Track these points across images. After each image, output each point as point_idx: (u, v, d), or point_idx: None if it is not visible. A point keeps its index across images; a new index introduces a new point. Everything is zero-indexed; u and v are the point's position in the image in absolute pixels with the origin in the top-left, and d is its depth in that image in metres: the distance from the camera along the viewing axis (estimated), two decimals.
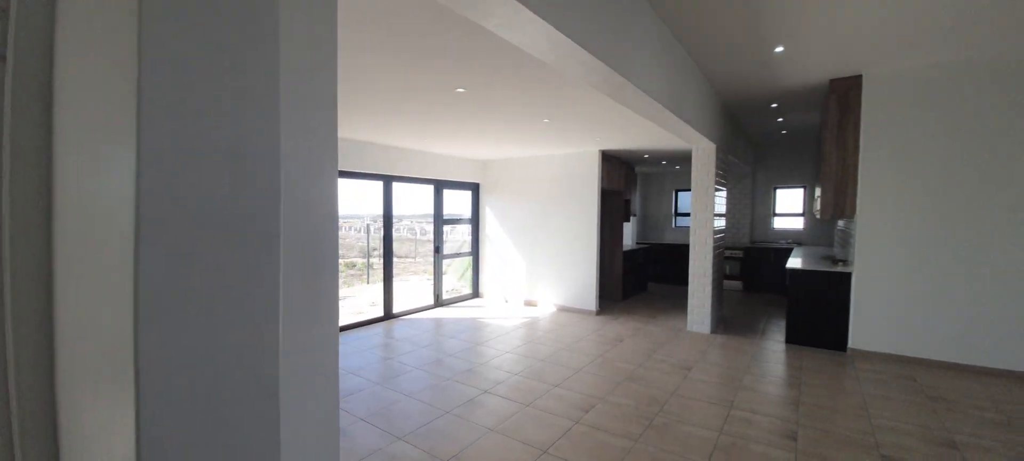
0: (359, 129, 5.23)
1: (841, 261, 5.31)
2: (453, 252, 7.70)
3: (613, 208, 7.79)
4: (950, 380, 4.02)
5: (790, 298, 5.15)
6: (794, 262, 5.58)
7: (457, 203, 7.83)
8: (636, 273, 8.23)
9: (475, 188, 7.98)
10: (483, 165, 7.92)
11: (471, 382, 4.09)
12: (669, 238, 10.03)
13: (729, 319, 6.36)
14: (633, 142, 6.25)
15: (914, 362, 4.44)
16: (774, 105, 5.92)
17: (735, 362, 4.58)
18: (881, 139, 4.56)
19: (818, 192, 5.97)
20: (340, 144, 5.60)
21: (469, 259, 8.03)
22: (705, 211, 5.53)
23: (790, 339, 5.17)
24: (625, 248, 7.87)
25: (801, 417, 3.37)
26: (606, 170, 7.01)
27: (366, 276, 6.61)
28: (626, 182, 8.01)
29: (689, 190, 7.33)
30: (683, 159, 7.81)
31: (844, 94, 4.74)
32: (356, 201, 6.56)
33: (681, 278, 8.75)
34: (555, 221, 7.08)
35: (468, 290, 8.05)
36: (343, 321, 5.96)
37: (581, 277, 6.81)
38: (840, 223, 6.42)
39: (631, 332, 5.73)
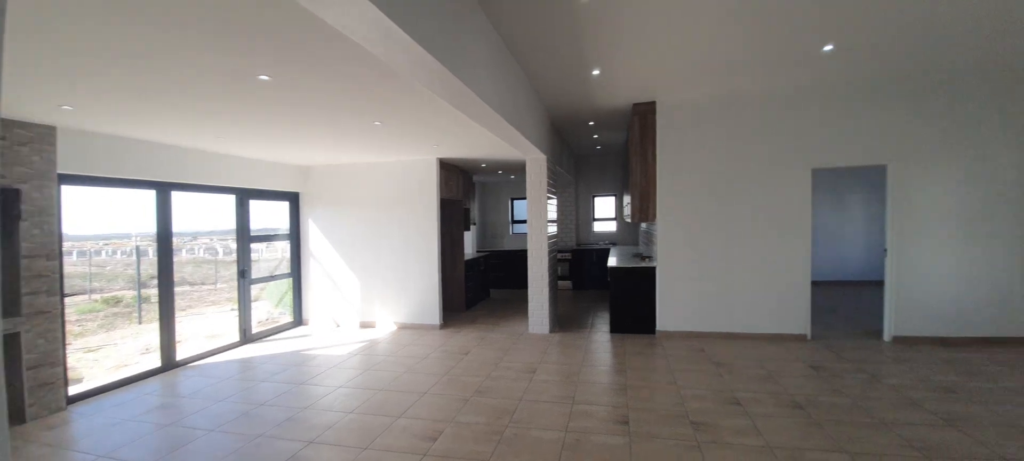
0: (114, 121, 3.90)
1: (646, 257, 6.21)
2: (266, 275, 6.48)
3: (453, 217, 7.68)
4: (726, 347, 5.01)
5: (611, 293, 5.79)
6: (613, 261, 6.30)
7: (271, 216, 6.64)
8: (478, 281, 8.29)
9: (294, 198, 6.90)
10: (304, 172, 6.92)
11: (292, 434, 3.37)
12: (508, 245, 10.46)
13: (564, 317, 6.86)
14: (470, 151, 6.24)
15: (703, 336, 5.42)
16: (591, 123, 6.63)
17: (572, 358, 4.88)
18: (671, 156, 5.49)
19: (627, 200, 6.91)
20: (82, 139, 4.11)
21: (288, 282, 6.88)
22: (539, 218, 5.83)
23: (614, 328, 5.80)
24: (467, 257, 7.84)
25: (629, 401, 3.72)
26: (445, 178, 6.85)
27: (136, 314, 4.97)
28: (465, 191, 8.01)
29: (525, 199, 7.70)
30: (518, 169, 8.19)
31: (644, 116, 5.55)
32: (121, 216, 4.95)
33: (521, 282, 9.17)
34: (391, 234, 6.59)
35: (289, 318, 6.89)
36: (94, 382, 4.36)
37: (422, 291, 6.48)
38: (643, 225, 7.57)
39: (476, 342, 5.66)
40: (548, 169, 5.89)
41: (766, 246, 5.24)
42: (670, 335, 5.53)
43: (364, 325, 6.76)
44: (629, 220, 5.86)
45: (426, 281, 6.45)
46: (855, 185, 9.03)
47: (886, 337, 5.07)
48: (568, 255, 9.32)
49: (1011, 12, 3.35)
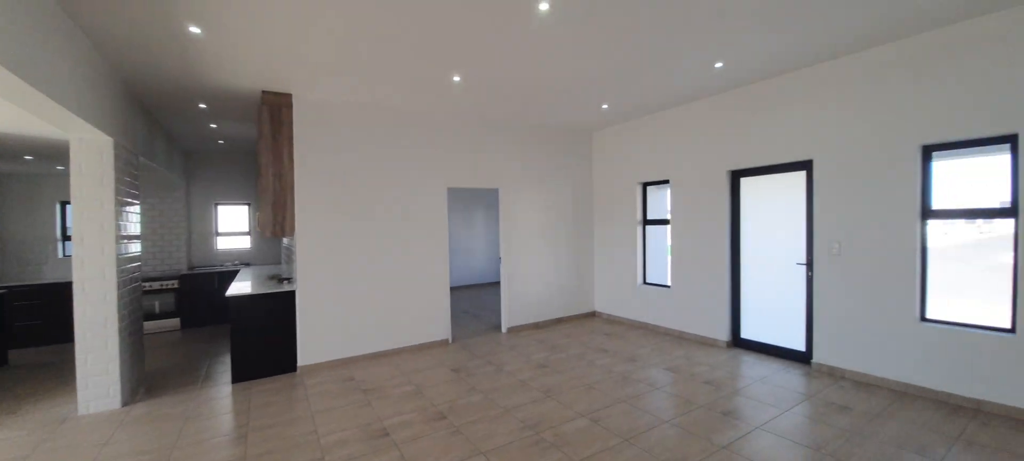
0: None
1: (286, 279, 5.13)
2: None
3: None
4: (376, 369, 4.63)
5: (233, 329, 4.39)
6: (237, 287, 4.86)
7: None
8: None
9: None
10: None
11: None
12: (54, 274, 6.68)
13: (159, 374, 4.76)
14: None
15: (352, 362, 4.86)
16: (203, 105, 4.97)
17: (160, 441, 3.25)
18: (312, 160, 4.69)
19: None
20: None
21: None
22: (102, 232, 3.74)
23: (238, 377, 4.41)
24: None
25: None
26: None
27: None
28: None
29: None
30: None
31: (277, 108, 4.52)
32: None
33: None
34: None
35: None
36: None
37: None
38: (285, 240, 6.36)
39: None
40: (118, 158, 3.90)
41: (410, 259, 5.27)
42: (315, 369, 4.68)
43: None
44: (261, 234, 4.65)
45: None
46: (479, 205, 10.94)
47: (504, 329, 6.05)
48: (173, 283, 6.84)
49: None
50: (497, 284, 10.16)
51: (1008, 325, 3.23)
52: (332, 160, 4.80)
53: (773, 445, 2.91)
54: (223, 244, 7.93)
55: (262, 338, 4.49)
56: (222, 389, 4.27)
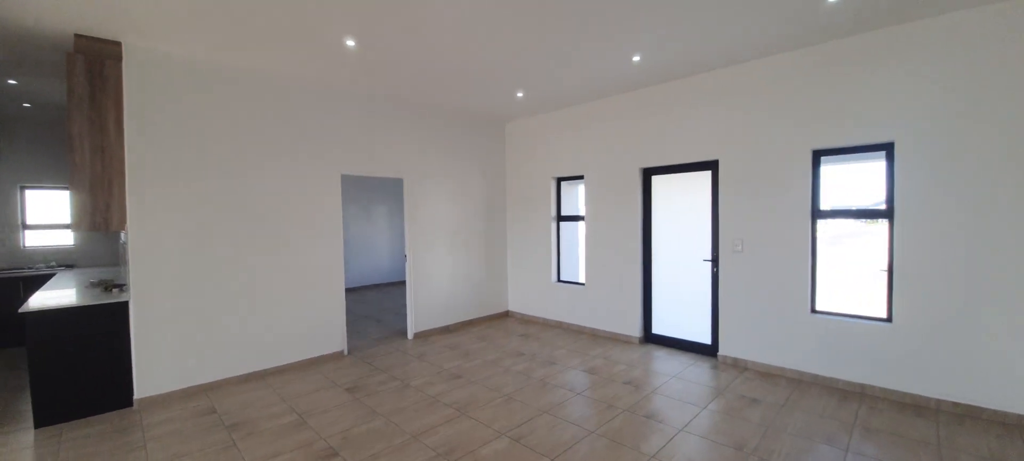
0: None
1: (118, 286, 3.95)
2: None
3: None
4: (248, 395, 3.74)
5: (32, 355, 3.20)
6: (42, 298, 3.60)
7: None
8: None
9: None
10: None
11: None
12: None
13: None
14: None
15: (215, 387, 3.88)
16: None
17: None
18: (155, 133, 3.63)
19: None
20: None
21: None
22: None
23: (45, 419, 3.24)
24: None
25: None
26: None
27: None
28: None
29: None
30: None
31: (98, 60, 3.38)
32: None
33: None
34: None
35: None
36: None
37: None
38: (123, 235, 5.00)
39: None
40: None
41: (293, 258, 4.41)
42: (161, 401, 3.65)
43: None
44: (75, 228, 3.45)
45: None
46: (381, 197, 10.00)
47: (410, 335, 5.43)
48: None
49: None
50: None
51: (885, 315, 3.55)
52: (185, 134, 3.77)
53: (698, 448, 2.80)
54: (34, 240, 6.08)
55: (80, 365, 3.35)
56: (19, 438, 3.08)
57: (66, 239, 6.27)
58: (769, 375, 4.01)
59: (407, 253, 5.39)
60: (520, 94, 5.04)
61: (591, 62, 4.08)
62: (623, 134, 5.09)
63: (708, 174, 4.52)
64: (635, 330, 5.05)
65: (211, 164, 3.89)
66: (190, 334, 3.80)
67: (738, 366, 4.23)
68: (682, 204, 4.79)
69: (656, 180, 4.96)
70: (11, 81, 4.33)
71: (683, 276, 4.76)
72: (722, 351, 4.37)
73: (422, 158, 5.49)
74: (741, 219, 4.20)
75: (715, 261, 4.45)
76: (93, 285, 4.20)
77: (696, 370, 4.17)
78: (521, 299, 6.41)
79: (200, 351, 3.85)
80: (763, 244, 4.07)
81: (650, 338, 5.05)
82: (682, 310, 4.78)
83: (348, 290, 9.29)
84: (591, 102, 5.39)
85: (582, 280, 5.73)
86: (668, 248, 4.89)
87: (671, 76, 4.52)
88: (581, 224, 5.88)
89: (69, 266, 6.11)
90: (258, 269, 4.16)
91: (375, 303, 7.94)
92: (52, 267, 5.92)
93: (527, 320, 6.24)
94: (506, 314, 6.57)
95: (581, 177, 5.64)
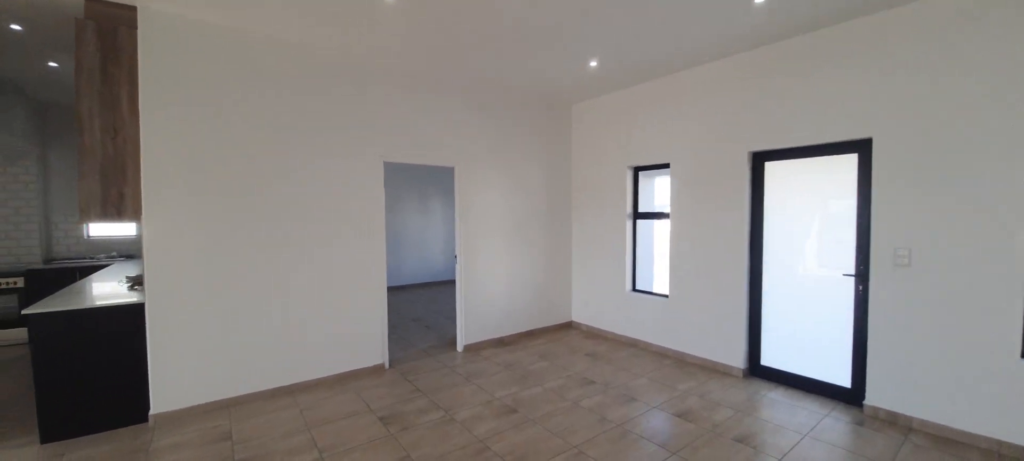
0: None
1: (141, 285, 3.58)
2: None
3: None
4: (269, 414, 3.20)
5: (38, 362, 2.85)
6: (56, 299, 3.28)
7: None
8: None
9: None
10: None
11: None
12: None
13: None
14: None
15: (234, 404, 3.40)
16: (17, 26, 3.35)
17: None
18: (175, 112, 3.17)
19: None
20: None
21: None
22: None
23: (51, 434, 2.89)
24: None
25: None
26: None
27: None
28: None
29: None
30: None
31: (110, 26, 2.96)
32: None
33: None
34: None
35: None
36: None
37: None
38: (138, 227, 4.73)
39: None
40: None
41: (328, 256, 3.84)
42: (178, 418, 3.21)
43: None
44: (83, 218, 3.10)
45: None
46: (437, 187, 9.48)
47: (460, 347, 4.74)
48: (16, 281, 5.08)
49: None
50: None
51: None
52: (207, 113, 3.28)
53: None
54: (99, 231, 6.14)
55: (91, 374, 2.97)
56: (22, 453, 2.74)
57: (130, 229, 6.29)
58: (950, 442, 2.81)
59: (457, 253, 4.68)
60: (594, 63, 4.12)
61: (696, 9, 3.08)
62: (725, 110, 4.01)
63: (853, 159, 3.34)
64: (737, 359, 3.98)
65: (237, 148, 3.39)
66: (212, 341, 3.33)
67: (896, 424, 3.06)
68: (809, 198, 3.64)
69: (771, 168, 3.84)
70: (52, 64, 4.15)
71: (809, 294, 3.63)
72: (870, 400, 3.21)
73: (474, 144, 4.75)
74: (908, 220, 3.01)
75: (862, 277, 3.28)
76: (123, 281, 3.90)
77: (836, 426, 3.05)
78: (587, 309, 5.50)
79: (222, 361, 3.37)
80: (945, 256, 2.87)
81: (757, 371, 3.94)
82: (805, 338, 3.64)
83: (400, 287, 8.88)
84: (683, 71, 4.34)
85: (664, 291, 4.71)
86: (786, 256, 3.77)
87: (800, 27, 3.39)
88: (656, 223, 4.85)
89: (130, 257, 6.11)
90: (288, 269, 3.63)
91: (427, 304, 7.39)
92: (112, 257, 5.92)
93: (594, 334, 5.32)
94: (569, 325, 5.69)
95: (665, 166, 4.61)
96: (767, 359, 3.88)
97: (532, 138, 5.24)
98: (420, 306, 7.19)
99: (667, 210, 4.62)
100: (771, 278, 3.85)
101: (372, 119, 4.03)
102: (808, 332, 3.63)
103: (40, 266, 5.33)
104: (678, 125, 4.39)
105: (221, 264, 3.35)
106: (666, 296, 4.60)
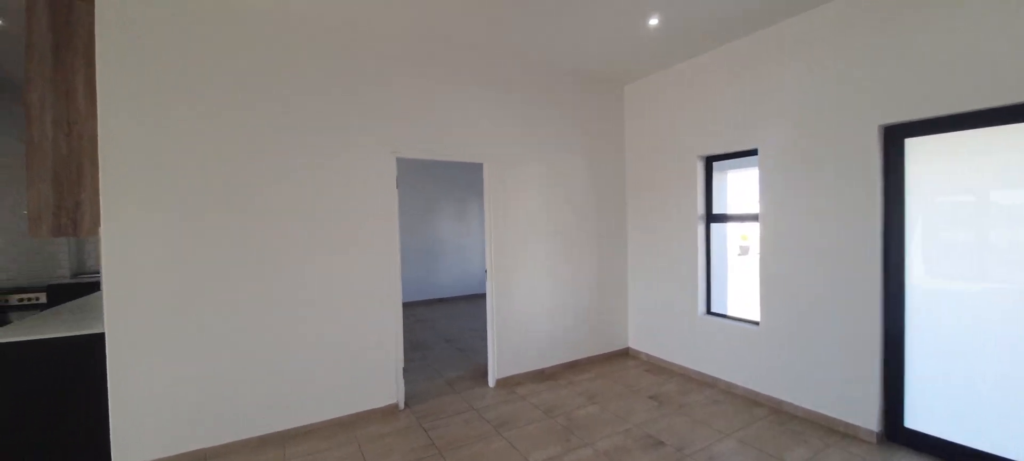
0: None
1: None
2: None
3: None
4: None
5: None
6: (10, 328, 2.85)
7: None
8: None
9: None
10: None
11: None
12: None
13: None
14: None
15: (216, 455, 2.79)
16: None
17: None
18: (136, 98, 2.64)
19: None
20: None
21: None
22: None
23: None
24: None
25: None
26: None
27: None
28: None
29: None
30: None
31: (64, 4, 2.48)
32: None
33: None
34: None
35: None
36: None
37: None
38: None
39: None
40: None
41: (331, 275, 3.19)
42: None
43: None
44: (32, 231, 2.64)
45: None
46: (476, 192, 8.81)
47: (491, 381, 3.94)
48: (40, 296, 4.91)
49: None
50: None
51: None
52: (179, 101, 2.73)
53: None
54: None
55: (47, 417, 2.47)
56: None
57: None
58: None
59: (487, 267, 3.90)
60: (654, 21, 3.21)
61: None
62: (843, 71, 2.95)
63: None
64: (867, 417, 2.86)
65: (214, 143, 2.82)
66: (186, 380, 2.75)
67: None
68: (975, 187, 2.51)
69: (916, 146, 2.73)
70: None
71: (991, 327, 2.48)
72: None
73: (506, 136, 3.96)
74: None
75: None
76: None
77: None
78: (647, 335, 4.52)
79: (199, 404, 2.79)
80: None
81: (899, 436, 2.80)
82: (986, 393, 2.49)
83: (438, 301, 8.26)
84: (781, 23, 3.31)
85: (752, 316, 3.65)
86: (949, 270, 2.63)
87: None
88: (727, 227, 3.79)
89: None
90: (278, 291, 3.01)
91: (464, 319, 6.68)
92: None
93: (657, 367, 4.33)
94: (625, 354, 4.73)
95: (751, 153, 3.58)
96: (914, 420, 2.74)
97: (576, 127, 4.38)
98: (456, 323, 6.49)
99: (752, 210, 3.58)
100: (918, 301, 2.72)
101: (381, 106, 3.36)
102: (983, 382, 2.48)
103: (67, 280, 5.17)
104: (771, 98, 3.36)
105: (196, 286, 2.78)
106: (756, 323, 3.55)
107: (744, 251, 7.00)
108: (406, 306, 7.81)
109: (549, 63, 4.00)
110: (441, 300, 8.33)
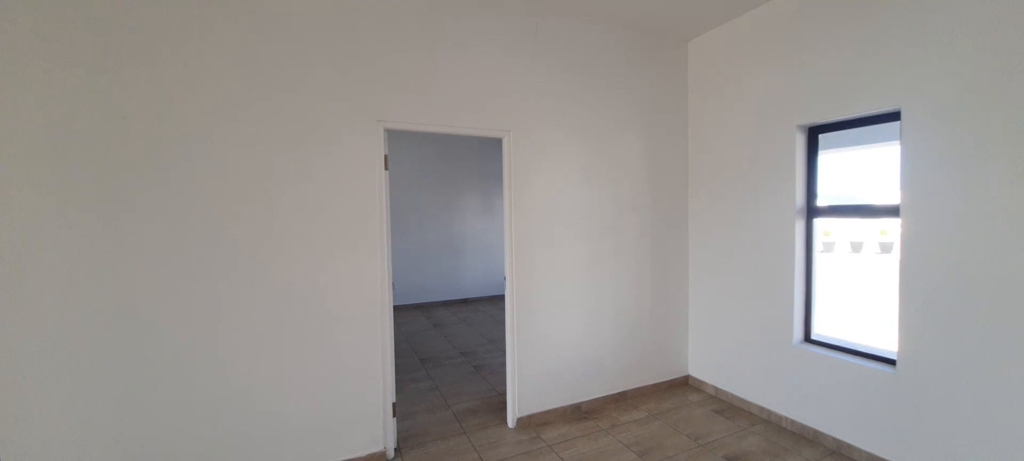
0: None
1: None
2: None
3: None
4: None
5: None
6: None
7: None
8: None
9: None
10: None
11: None
12: None
13: None
14: None
15: None
16: None
17: None
18: (16, 47, 1.91)
19: None
20: None
21: None
22: None
23: None
24: None
25: None
26: None
27: None
28: None
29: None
30: None
31: None
32: None
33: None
34: None
35: None
36: None
37: None
38: None
39: None
40: None
41: (297, 282, 2.38)
42: None
43: None
44: None
45: None
46: (500, 182, 7.90)
47: (511, 421, 3.05)
48: None
49: None
50: None
51: None
52: (78, 58, 1.98)
53: None
54: None
55: None
56: None
57: None
58: None
59: (507, 273, 3.00)
60: None
61: None
62: None
63: None
64: None
65: (134, 112, 2.06)
66: (95, 430, 2.02)
67: None
68: None
69: None
70: None
71: None
72: None
73: (534, 104, 3.03)
74: None
75: None
76: None
77: None
78: (715, 361, 3.49)
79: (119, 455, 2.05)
80: None
81: None
82: None
83: (460, 302, 7.47)
84: None
85: (883, 349, 2.57)
86: None
87: None
88: (844, 225, 2.69)
89: None
90: (222, 305, 2.23)
91: (486, 326, 5.84)
92: None
93: (729, 405, 3.30)
94: (685, 383, 3.72)
95: (890, 116, 2.48)
96: None
97: (624, 94, 3.38)
98: (476, 330, 5.65)
99: (887, 201, 2.49)
100: None
101: (364, 60, 2.51)
102: None
103: None
104: (928, 32, 2.25)
105: (107, 304, 2.04)
106: (891, 362, 2.47)
107: (886, 248, 5.71)
108: (423, 308, 7.06)
109: (587, 13, 3.02)
110: (463, 301, 7.53)
